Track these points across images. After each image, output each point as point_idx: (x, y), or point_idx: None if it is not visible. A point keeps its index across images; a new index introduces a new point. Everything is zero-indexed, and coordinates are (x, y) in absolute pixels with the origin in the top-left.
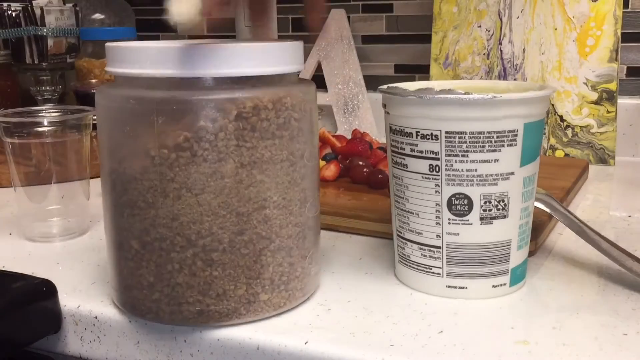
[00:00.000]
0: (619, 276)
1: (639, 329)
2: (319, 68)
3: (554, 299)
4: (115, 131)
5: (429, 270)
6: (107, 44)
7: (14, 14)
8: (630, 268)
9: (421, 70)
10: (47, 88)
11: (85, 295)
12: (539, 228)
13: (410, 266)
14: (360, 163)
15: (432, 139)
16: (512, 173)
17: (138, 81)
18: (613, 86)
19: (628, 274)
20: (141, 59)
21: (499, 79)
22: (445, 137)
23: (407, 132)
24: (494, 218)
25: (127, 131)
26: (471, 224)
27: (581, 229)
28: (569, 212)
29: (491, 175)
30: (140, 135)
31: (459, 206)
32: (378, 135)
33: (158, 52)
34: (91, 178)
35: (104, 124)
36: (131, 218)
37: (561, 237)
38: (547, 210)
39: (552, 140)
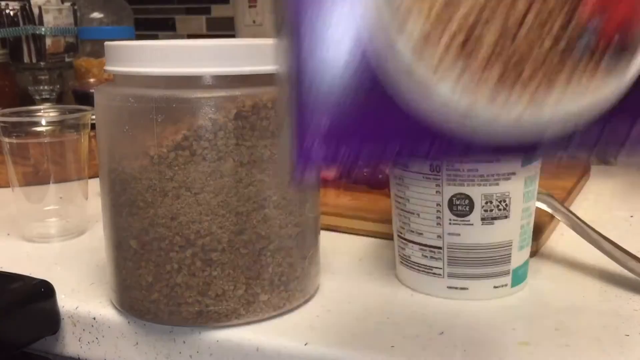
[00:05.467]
0: (621, 277)
1: None
2: None
3: (555, 300)
4: (114, 130)
5: (429, 271)
6: (107, 43)
7: (11, 12)
8: (632, 269)
9: None
10: (45, 87)
11: (83, 296)
12: (540, 229)
13: (411, 267)
14: None
15: None
16: (514, 173)
17: (137, 80)
18: None
19: (630, 275)
20: (140, 57)
21: None
22: None
23: None
24: (495, 218)
25: (126, 130)
26: (472, 224)
27: (583, 229)
28: (570, 212)
29: (492, 175)
30: (139, 134)
31: (460, 206)
32: None
33: (157, 50)
34: (89, 178)
35: (103, 123)
36: (130, 217)
37: (563, 237)
38: (549, 210)
39: None
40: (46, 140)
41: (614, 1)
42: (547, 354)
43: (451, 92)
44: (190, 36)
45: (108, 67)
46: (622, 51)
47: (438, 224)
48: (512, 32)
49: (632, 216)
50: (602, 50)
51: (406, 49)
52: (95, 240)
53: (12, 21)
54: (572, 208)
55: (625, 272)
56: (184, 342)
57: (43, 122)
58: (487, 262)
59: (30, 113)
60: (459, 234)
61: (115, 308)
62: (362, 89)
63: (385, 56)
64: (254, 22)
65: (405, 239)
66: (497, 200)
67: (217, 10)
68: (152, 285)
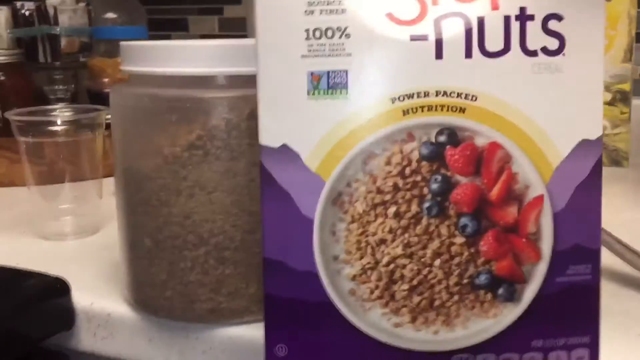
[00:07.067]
0: (633, 279)
1: None
2: None
3: None
4: (129, 129)
5: None
6: (122, 43)
7: (27, 13)
8: None
9: None
10: (60, 87)
11: (98, 293)
12: None
13: None
14: None
15: None
16: None
17: (152, 79)
18: (627, 87)
19: None
20: (155, 57)
21: None
22: None
23: None
24: None
25: (140, 129)
26: None
27: None
28: None
29: None
30: (153, 133)
31: None
32: None
33: (172, 50)
34: (104, 177)
35: (118, 123)
36: (144, 216)
37: None
38: None
39: None
40: (61, 139)
41: (500, 253)
42: None
43: (379, 316)
44: (203, 36)
45: (124, 67)
46: (512, 284)
47: None
48: (425, 273)
49: None
50: (496, 284)
51: (348, 277)
52: (110, 238)
53: (28, 21)
54: None
55: (637, 273)
56: (197, 338)
57: (58, 121)
58: None
59: (45, 113)
60: None
61: (130, 305)
62: (314, 301)
63: (332, 278)
64: None
65: None
66: None
67: (230, 11)
68: (165, 283)
